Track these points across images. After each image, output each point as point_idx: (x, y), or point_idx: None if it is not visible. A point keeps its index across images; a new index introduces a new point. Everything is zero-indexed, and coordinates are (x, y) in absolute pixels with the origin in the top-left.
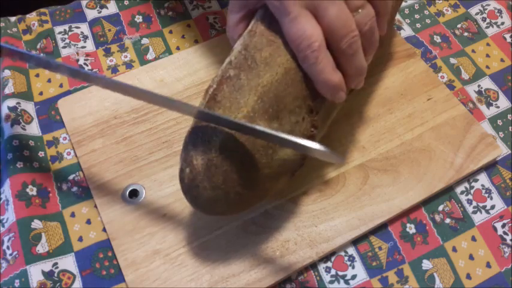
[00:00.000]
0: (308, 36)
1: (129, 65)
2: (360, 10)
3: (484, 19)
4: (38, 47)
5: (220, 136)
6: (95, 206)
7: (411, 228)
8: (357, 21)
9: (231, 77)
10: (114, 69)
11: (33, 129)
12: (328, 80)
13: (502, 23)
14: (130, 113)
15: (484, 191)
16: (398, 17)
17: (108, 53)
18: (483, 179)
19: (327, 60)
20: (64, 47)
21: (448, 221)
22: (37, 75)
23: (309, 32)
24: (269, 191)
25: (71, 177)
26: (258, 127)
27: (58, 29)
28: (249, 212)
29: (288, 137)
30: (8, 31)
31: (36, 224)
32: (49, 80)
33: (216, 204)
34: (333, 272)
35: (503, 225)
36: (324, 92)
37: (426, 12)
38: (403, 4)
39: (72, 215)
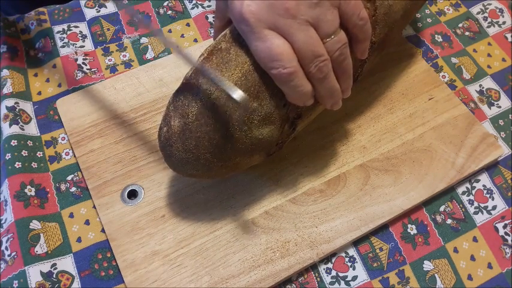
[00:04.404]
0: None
1: (128, 65)
2: (332, 36)
3: (485, 18)
4: (37, 46)
5: (200, 104)
6: (94, 207)
7: (412, 229)
8: (327, 48)
9: (222, 49)
10: (113, 69)
11: (32, 129)
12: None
13: (504, 23)
14: (129, 113)
15: (485, 192)
16: None
17: (107, 52)
18: (484, 180)
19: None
20: (63, 47)
21: (449, 221)
22: (35, 75)
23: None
24: (240, 165)
25: (69, 177)
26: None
27: (57, 28)
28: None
29: (220, 79)
30: (7, 30)
31: (35, 224)
32: (47, 80)
33: (187, 166)
34: (333, 273)
35: (505, 226)
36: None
37: (427, 11)
38: None
39: (71, 215)
